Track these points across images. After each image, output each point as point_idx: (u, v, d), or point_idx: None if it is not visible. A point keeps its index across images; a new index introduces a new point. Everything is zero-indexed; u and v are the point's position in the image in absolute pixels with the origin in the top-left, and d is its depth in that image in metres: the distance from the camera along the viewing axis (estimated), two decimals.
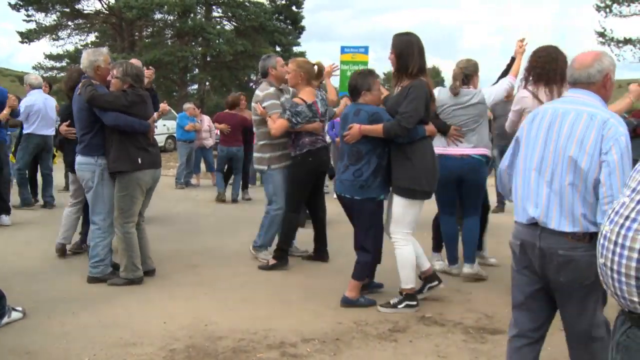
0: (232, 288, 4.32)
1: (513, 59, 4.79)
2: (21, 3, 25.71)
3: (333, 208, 4.14)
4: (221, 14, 27.89)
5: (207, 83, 29.46)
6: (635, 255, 1.52)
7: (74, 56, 26.11)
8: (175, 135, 12.95)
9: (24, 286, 4.17)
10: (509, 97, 4.85)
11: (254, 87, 30.19)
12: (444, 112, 4.50)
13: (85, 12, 27.22)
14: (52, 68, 28.08)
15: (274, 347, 3.22)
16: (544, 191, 2.27)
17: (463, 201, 4.67)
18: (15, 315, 3.50)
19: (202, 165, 11.16)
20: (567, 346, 2.44)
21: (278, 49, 27.24)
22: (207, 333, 3.40)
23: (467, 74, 4.51)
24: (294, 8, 29.19)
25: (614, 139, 2.14)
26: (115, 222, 4.30)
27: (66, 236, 5.12)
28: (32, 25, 26.62)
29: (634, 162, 2.07)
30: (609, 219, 1.65)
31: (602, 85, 2.32)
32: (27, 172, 7.53)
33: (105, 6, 27.11)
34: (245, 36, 26.43)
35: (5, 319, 3.43)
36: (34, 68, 27.92)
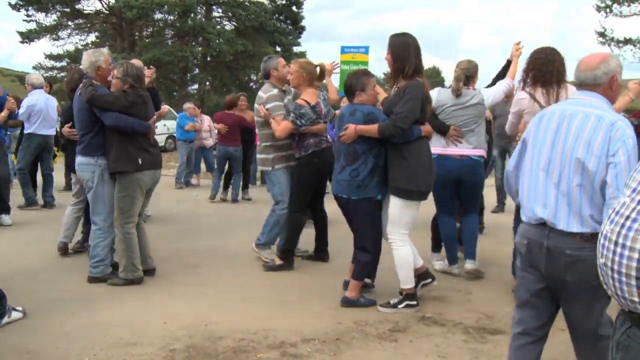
0: (232, 288, 4.32)
1: (509, 62, 4.84)
2: (21, 3, 25.73)
3: (334, 208, 4.14)
4: (221, 14, 27.91)
5: (207, 83, 29.48)
6: (635, 255, 1.52)
7: (74, 56, 26.13)
8: (175, 135, 12.94)
9: (24, 286, 4.17)
10: (508, 98, 4.87)
11: (254, 87, 30.22)
12: (443, 112, 4.51)
13: (85, 12, 27.25)
14: (52, 68, 28.11)
15: (274, 347, 3.22)
16: (552, 192, 2.29)
17: (461, 201, 4.69)
18: (15, 315, 3.50)
19: (202, 165, 11.16)
20: (572, 345, 2.45)
21: (278, 49, 27.26)
22: (208, 333, 3.40)
23: (468, 75, 4.52)
24: (294, 8, 29.20)
25: (621, 141, 2.16)
26: (115, 223, 4.30)
27: (67, 235, 5.14)
28: (33, 25, 26.67)
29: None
30: (609, 219, 1.65)
31: (609, 87, 2.34)
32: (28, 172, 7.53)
33: (105, 6, 27.13)
34: (246, 36, 26.45)
35: (6, 319, 3.43)
36: (34, 68, 27.95)
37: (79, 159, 4.36)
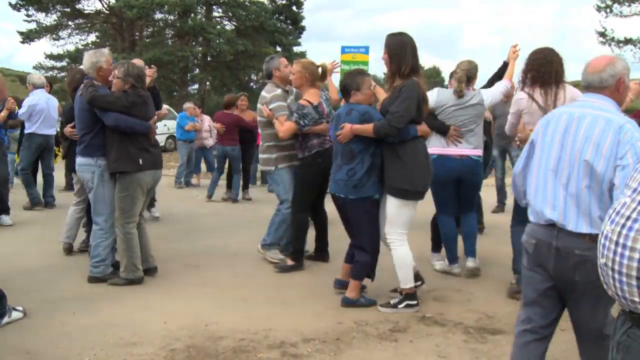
0: (233, 288, 4.32)
1: (505, 64, 4.87)
2: (22, 3, 25.75)
3: (333, 208, 4.14)
4: (221, 14, 27.93)
5: (208, 83, 29.50)
6: (636, 255, 1.52)
7: (75, 56, 26.16)
8: (175, 135, 12.94)
9: (24, 286, 4.17)
10: (508, 98, 4.88)
11: (254, 87, 30.22)
12: (443, 112, 4.51)
13: (85, 12, 27.27)
14: (53, 68, 28.13)
15: (275, 347, 3.22)
16: (561, 194, 2.30)
17: (460, 200, 4.71)
18: (15, 315, 3.50)
19: (203, 165, 11.16)
20: (577, 345, 2.46)
21: (278, 49, 27.26)
22: (208, 333, 3.40)
23: (469, 76, 4.55)
24: (294, 8, 29.20)
25: (630, 144, 2.17)
26: (117, 223, 4.30)
27: (69, 235, 5.16)
28: (33, 25, 26.68)
29: None
30: (609, 219, 1.65)
31: (616, 89, 2.35)
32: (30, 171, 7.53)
33: (105, 6, 27.14)
34: (246, 36, 26.46)
35: (6, 319, 3.43)
36: (34, 68, 27.96)
37: (79, 160, 4.36)
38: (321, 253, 5.12)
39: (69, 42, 27.87)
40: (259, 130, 5.20)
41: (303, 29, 29.97)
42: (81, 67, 4.58)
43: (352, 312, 3.78)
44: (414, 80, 3.73)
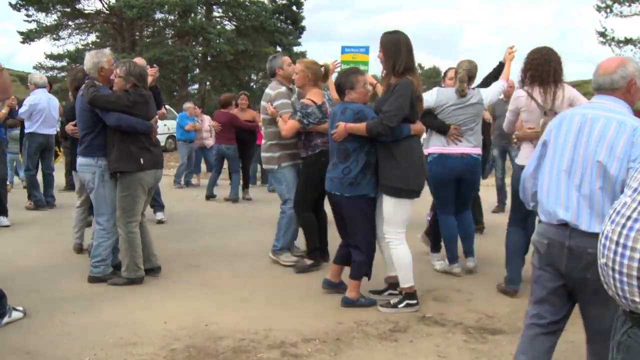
0: (233, 288, 4.32)
1: (501, 64, 4.92)
2: (22, 3, 25.74)
3: None
4: (221, 14, 27.92)
5: (208, 83, 29.49)
6: (637, 255, 1.52)
7: (75, 56, 26.16)
8: (175, 135, 12.94)
9: (24, 286, 4.17)
10: (508, 98, 4.88)
11: (254, 87, 30.21)
12: (443, 111, 4.53)
13: (85, 11, 27.26)
14: (53, 68, 28.12)
15: (275, 347, 3.22)
16: (574, 194, 2.32)
17: (457, 199, 4.74)
18: (15, 314, 3.50)
19: (203, 165, 11.15)
20: (586, 344, 2.48)
21: (278, 49, 27.26)
22: (208, 333, 3.40)
23: (470, 75, 4.57)
24: (294, 8, 29.20)
25: None
26: (118, 222, 4.30)
27: (79, 235, 5.21)
28: (33, 25, 26.67)
29: None
30: (610, 219, 1.65)
31: (627, 91, 2.36)
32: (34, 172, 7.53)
33: (105, 6, 27.14)
34: (246, 36, 26.45)
35: (6, 319, 3.43)
36: (34, 68, 27.97)
37: (79, 160, 4.36)
38: (321, 253, 5.11)
39: (69, 42, 27.90)
40: (262, 129, 5.17)
41: (303, 29, 29.97)
42: (83, 66, 4.58)
43: (352, 312, 3.78)
44: (407, 79, 3.72)
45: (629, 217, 1.57)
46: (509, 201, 7.22)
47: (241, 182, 9.08)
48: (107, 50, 4.61)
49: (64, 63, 27.90)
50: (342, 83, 3.91)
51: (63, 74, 27.60)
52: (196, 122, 10.37)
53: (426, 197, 4.99)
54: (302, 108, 4.59)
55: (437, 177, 4.58)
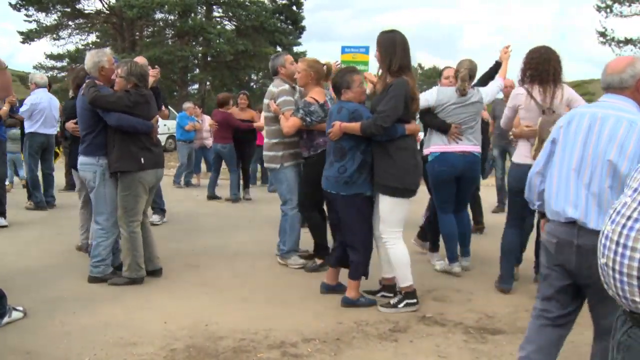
0: (233, 288, 4.32)
1: (497, 63, 5.00)
2: (22, 3, 25.72)
3: None
4: (221, 14, 27.91)
5: (208, 83, 29.48)
6: (637, 255, 1.52)
7: (75, 56, 26.15)
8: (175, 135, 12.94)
9: (24, 286, 4.17)
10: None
11: (254, 86, 30.20)
12: (444, 110, 4.55)
13: (85, 11, 27.24)
14: (53, 68, 28.11)
15: (275, 347, 3.22)
16: (583, 193, 2.33)
17: (456, 197, 4.77)
18: (15, 314, 3.50)
19: (203, 165, 11.14)
20: (593, 342, 2.50)
21: (278, 48, 27.24)
22: (208, 333, 3.40)
23: (471, 75, 4.60)
24: (294, 8, 29.19)
25: None
26: (120, 222, 4.30)
27: (86, 235, 5.19)
28: (33, 25, 26.66)
29: None
30: (610, 219, 1.65)
31: (636, 90, 2.37)
32: (37, 172, 7.53)
33: (105, 6, 27.13)
34: (246, 36, 26.44)
35: (6, 319, 3.43)
36: (34, 68, 27.96)
37: (81, 159, 4.36)
38: (319, 252, 5.10)
39: (69, 42, 27.88)
40: (265, 127, 5.15)
41: (303, 29, 29.96)
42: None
43: (352, 312, 3.78)
44: (403, 79, 3.71)
45: (629, 217, 1.57)
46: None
47: (241, 182, 9.08)
48: (108, 50, 4.61)
49: (64, 63, 27.89)
50: (338, 82, 3.91)
51: (63, 74, 27.60)
52: (196, 122, 10.37)
53: (423, 197, 5.01)
54: (305, 106, 4.59)
55: (439, 175, 4.60)
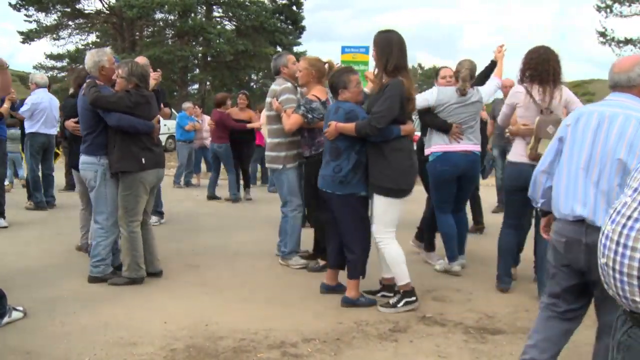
0: (233, 288, 4.32)
1: (492, 62, 5.06)
2: (22, 3, 25.73)
3: None
4: (221, 14, 27.92)
5: (208, 83, 29.48)
6: (637, 255, 1.52)
7: (75, 56, 26.15)
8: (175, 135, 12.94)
9: (24, 286, 4.17)
10: None
11: (254, 87, 30.19)
12: (445, 110, 4.57)
13: (85, 11, 27.25)
14: (53, 68, 28.12)
15: (275, 346, 3.22)
16: (591, 191, 2.34)
17: (457, 197, 4.80)
18: (15, 315, 3.50)
19: (203, 165, 11.14)
20: (595, 341, 2.52)
21: (278, 48, 27.24)
22: (208, 333, 3.40)
23: (471, 75, 4.63)
24: (294, 8, 29.19)
25: None
26: (120, 221, 4.30)
27: (87, 236, 5.19)
28: (33, 25, 26.66)
29: None
30: (610, 219, 1.65)
31: None
32: (38, 173, 7.52)
33: (105, 6, 27.14)
34: (246, 36, 26.45)
35: (6, 319, 3.43)
36: (34, 68, 27.97)
37: (82, 158, 4.36)
38: (322, 252, 5.11)
39: (69, 42, 27.89)
40: (267, 126, 5.14)
41: (303, 29, 29.96)
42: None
43: (352, 312, 3.78)
44: (398, 79, 3.70)
45: (629, 217, 1.57)
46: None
47: (242, 182, 9.09)
48: (108, 49, 4.61)
49: (64, 63, 27.90)
50: (335, 82, 3.91)
51: (63, 74, 27.61)
52: (196, 122, 10.37)
53: (421, 197, 5.01)
54: (307, 103, 4.59)
55: (441, 175, 4.62)
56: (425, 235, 5.23)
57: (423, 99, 4.61)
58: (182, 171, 10.46)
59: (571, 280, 2.44)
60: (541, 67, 4.00)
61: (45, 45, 65.49)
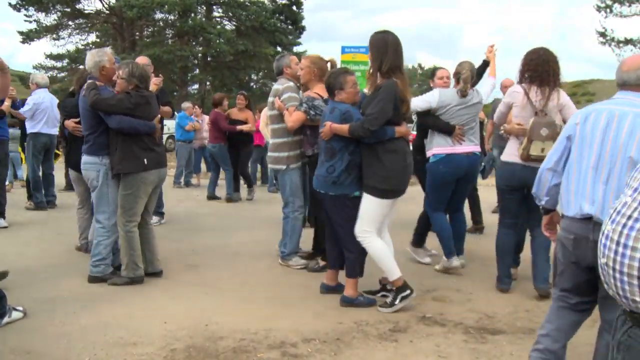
0: (233, 288, 4.32)
1: (485, 62, 5.11)
2: (22, 3, 25.74)
3: None
4: (221, 14, 27.93)
5: (208, 83, 29.49)
6: (637, 255, 1.52)
7: (75, 56, 26.17)
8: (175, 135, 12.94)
9: (24, 286, 4.17)
10: None
11: (254, 87, 30.19)
12: (447, 112, 4.59)
13: (85, 11, 27.27)
14: (53, 68, 28.12)
15: (275, 347, 3.22)
16: (600, 188, 2.35)
17: (454, 198, 4.82)
18: (15, 315, 3.50)
19: (203, 165, 11.14)
20: (596, 340, 2.54)
21: (278, 48, 27.26)
22: (208, 333, 3.40)
23: (472, 76, 4.66)
24: (294, 8, 29.20)
25: None
26: (118, 221, 4.30)
27: (85, 236, 5.21)
28: (33, 25, 26.67)
29: None
30: (610, 219, 1.65)
31: None
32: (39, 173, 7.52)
33: (105, 6, 27.15)
34: (246, 36, 26.46)
35: (6, 319, 3.43)
36: (34, 68, 27.97)
37: (84, 158, 4.36)
38: (322, 252, 5.11)
39: (69, 42, 27.90)
40: (269, 125, 5.14)
41: (303, 29, 29.96)
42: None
43: (352, 312, 3.78)
44: (392, 80, 3.69)
45: (629, 217, 1.57)
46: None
47: (243, 182, 9.10)
48: (109, 49, 4.61)
49: (64, 63, 27.91)
50: (332, 83, 3.91)
51: (63, 74, 27.62)
52: (196, 122, 10.37)
53: (419, 197, 5.02)
54: (309, 100, 4.60)
55: (444, 177, 4.63)
56: (417, 230, 5.24)
57: (425, 101, 4.62)
58: (183, 171, 10.46)
59: (580, 276, 2.46)
60: (541, 68, 4.01)
61: (45, 45, 65.59)
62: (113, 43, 26.97)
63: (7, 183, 7.57)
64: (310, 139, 4.71)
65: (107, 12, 27.28)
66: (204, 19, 26.27)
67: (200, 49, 27.21)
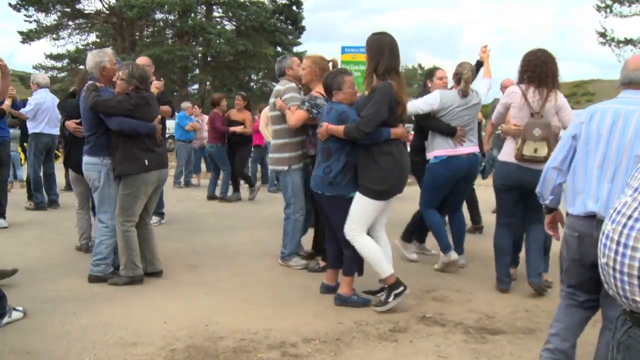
0: (233, 288, 4.32)
1: (478, 62, 5.12)
2: (22, 3, 25.76)
3: None
4: (221, 14, 27.95)
5: (208, 83, 29.50)
6: (637, 254, 1.52)
7: (75, 56, 26.18)
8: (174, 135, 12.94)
9: (24, 286, 4.17)
10: None
11: (254, 87, 30.21)
12: (449, 114, 4.59)
13: (85, 12, 27.29)
14: (53, 68, 28.14)
15: (275, 347, 3.22)
16: (605, 187, 2.36)
17: (453, 197, 4.85)
18: (15, 315, 3.50)
19: (203, 165, 11.14)
20: (598, 338, 2.54)
21: (278, 48, 27.27)
22: (208, 333, 3.40)
23: (473, 76, 4.69)
24: (294, 8, 29.21)
25: None
26: (116, 220, 4.30)
27: (86, 236, 5.22)
28: (33, 25, 26.69)
29: None
30: (610, 218, 1.65)
31: None
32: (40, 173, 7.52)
33: (105, 6, 27.16)
34: (246, 36, 26.47)
35: (6, 319, 3.43)
36: (34, 68, 28.01)
37: (85, 159, 4.36)
38: (322, 252, 5.10)
39: (69, 42, 27.94)
40: (271, 126, 5.13)
41: (303, 29, 29.98)
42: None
43: (352, 312, 3.78)
44: (387, 82, 3.68)
45: (630, 217, 1.57)
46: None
47: (244, 182, 9.11)
48: (109, 50, 4.63)
49: (64, 63, 27.93)
50: (329, 84, 3.91)
51: (63, 74, 27.63)
52: (195, 122, 10.38)
53: (417, 197, 5.02)
54: (311, 99, 4.60)
55: (446, 178, 4.65)
56: (409, 226, 5.26)
57: (427, 103, 4.62)
58: (182, 171, 10.46)
59: (585, 274, 2.47)
60: (540, 69, 4.03)
61: (45, 46, 65.68)
62: (113, 43, 27.01)
63: (7, 183, 7.57)
64: (312, 139, 4.70)
65: (107, 12, 27.30)
66: (204, 19, 26.29)
67: (200, 49, 27.23)
